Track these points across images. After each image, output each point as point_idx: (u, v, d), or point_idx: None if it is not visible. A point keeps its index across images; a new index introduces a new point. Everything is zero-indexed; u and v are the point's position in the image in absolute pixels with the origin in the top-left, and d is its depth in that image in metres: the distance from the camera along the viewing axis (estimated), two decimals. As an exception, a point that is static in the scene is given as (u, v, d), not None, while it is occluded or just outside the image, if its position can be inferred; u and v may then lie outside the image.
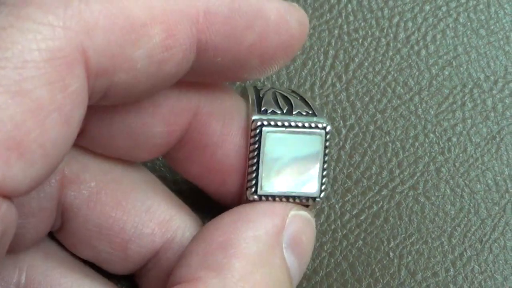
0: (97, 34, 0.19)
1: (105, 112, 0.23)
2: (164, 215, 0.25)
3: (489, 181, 0.29)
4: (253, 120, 0.23)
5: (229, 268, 0.21)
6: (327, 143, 0.24)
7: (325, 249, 0.28)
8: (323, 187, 0.24)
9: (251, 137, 0.23)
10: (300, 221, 0.23)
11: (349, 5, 0.30)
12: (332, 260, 0.28)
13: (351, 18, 0.30)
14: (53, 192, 0.24)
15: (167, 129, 0.23)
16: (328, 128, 0.24)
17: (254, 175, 0.23)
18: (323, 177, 0.24)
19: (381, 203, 0.28)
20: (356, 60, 0.30)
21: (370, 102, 0.29)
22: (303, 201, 0.24)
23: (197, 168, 0.24)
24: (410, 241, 0.28)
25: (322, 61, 0.29)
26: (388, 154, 0.29)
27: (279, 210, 0.23)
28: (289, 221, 0.23)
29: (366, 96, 0.29)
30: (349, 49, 0.30)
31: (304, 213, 0.24)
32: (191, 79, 0.22)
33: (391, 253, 0.28)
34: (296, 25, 0.22)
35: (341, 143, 0.29)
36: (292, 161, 0.23)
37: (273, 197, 0.23)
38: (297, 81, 0.29)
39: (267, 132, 0.23)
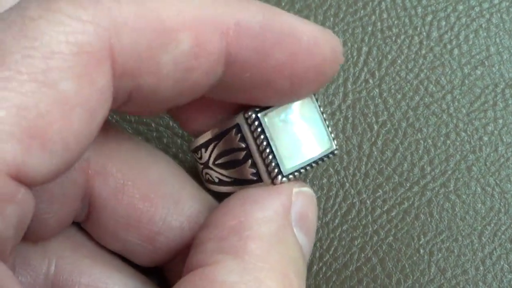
0: (126, 33, 0.19)
1: None
2: (192, 209, 0.24)
3: (520, 181, 0.29)
4: (246, 116, 0.23)
5: (246, 250, 0.21)
6: (318, 103, 0.24)
7: (356, 244, 0.28)
8: (334, 141, 0.24)
9: (252, 131, 0.23)
10: (304, 198, 0.23)
11: (383, 3, 0.30)
12: (363, 255, 0.28)
13: (385, 15, 0.30)
14: (76, 179, 0.23)
15: None
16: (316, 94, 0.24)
17: (271, 159, 0.23)
18: (329, 131, 0.24)
19: (412, 199, 0.28)
20: (389, 57, 0.30)
21: (403, 99, 0.29)
22: (325, 159, 0.24)
23: None
24: (441, 238, 0.28)
25: (355, 57, 0.30)
26: (420, 151, 0.29)
27: (283, 189, 0.23)
28: (295, 199, 0.23)
29: (399, 93, 0.29)
30: (382, 46, 0.30)
31: (306, 189, 0.23)
32: (221, 95, 0.22)
33: (421, 250, 0.28)
34: (329, 50, 0.22)
35: (373, 139, 0.29)
36: (295, 131, 0.23)
37: (299, 171, 0.23)
38: (330, 76, 0.29)
39: (263, 116, 0.23)
